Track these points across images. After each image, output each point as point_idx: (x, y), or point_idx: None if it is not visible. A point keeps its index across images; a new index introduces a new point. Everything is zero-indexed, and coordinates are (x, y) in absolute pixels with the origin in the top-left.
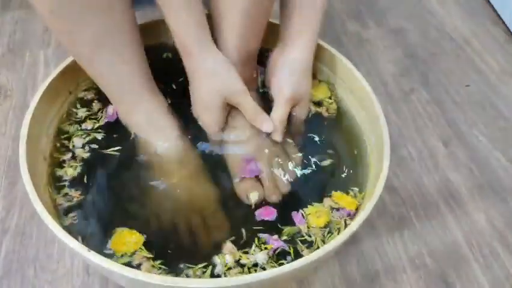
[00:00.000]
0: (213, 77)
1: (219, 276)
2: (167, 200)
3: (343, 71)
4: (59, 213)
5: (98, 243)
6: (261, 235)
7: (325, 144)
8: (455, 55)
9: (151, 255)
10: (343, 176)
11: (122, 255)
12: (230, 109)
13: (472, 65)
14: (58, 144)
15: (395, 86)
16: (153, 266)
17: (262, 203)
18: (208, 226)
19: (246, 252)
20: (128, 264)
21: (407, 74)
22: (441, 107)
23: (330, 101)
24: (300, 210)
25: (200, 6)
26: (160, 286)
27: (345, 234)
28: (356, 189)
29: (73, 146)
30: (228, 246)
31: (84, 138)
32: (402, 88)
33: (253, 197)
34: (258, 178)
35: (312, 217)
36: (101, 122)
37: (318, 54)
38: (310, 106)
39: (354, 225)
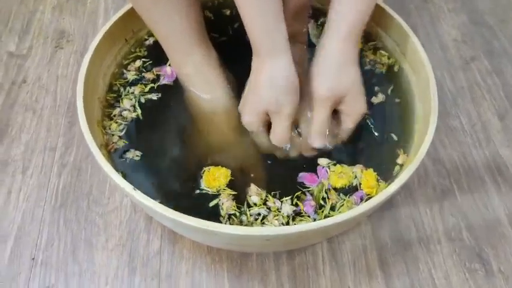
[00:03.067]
0: (271, 87)
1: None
2: (212, 151)
3: (397, 31)
4: (111, 156)
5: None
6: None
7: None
8: None
9: (235, 192)
10: (385, 138)
11: (217, 190)
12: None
13: None
14: (113, 89)
15: (455, 53)
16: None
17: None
18: (249, 176)
19: (274, 196)
20: (215, 211)
21: (470, 41)
22: (502, 79)
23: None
24: (325, 166)
25: (277, 11)
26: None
27: (381, 196)
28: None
29: (124, 95)
30: (252, 188)
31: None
32: (463, 55)
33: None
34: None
35: (334, 175)
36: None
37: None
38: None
39: (392, 187)
